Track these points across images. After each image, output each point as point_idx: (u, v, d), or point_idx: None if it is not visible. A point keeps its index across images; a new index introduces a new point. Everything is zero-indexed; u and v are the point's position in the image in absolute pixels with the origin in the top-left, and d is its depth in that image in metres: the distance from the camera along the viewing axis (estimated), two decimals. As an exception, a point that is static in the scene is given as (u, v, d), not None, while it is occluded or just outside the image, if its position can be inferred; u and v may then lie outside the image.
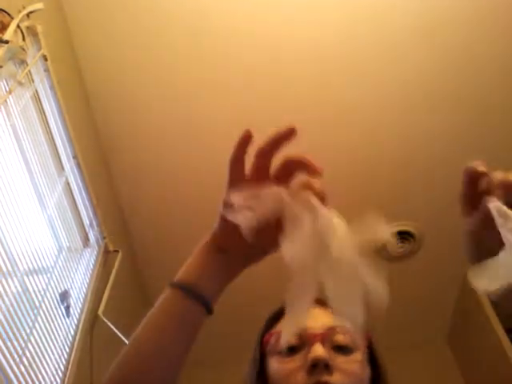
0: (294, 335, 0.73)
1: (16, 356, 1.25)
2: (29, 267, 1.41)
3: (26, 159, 1.52)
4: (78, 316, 1.66)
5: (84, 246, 1.87)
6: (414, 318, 2.76)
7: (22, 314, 1.32)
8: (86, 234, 1.90)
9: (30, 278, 1.41)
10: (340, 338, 0.73)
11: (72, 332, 1.60)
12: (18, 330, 1.28)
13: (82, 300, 1.72)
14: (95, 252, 1.92)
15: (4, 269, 1.26)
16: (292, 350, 0.73)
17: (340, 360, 0.71)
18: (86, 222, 1.89)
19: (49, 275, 1.53)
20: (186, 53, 1.98)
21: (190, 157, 2.23)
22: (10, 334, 1.24)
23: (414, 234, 2.48)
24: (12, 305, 1.27)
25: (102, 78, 2.03)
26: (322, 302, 0.77)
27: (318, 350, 0.70)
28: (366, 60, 2.02)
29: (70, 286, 1.65)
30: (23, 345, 1.29)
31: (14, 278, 1.31)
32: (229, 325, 2.80)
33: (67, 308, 1.60)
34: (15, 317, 1.27)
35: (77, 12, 1.89)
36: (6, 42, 1.30)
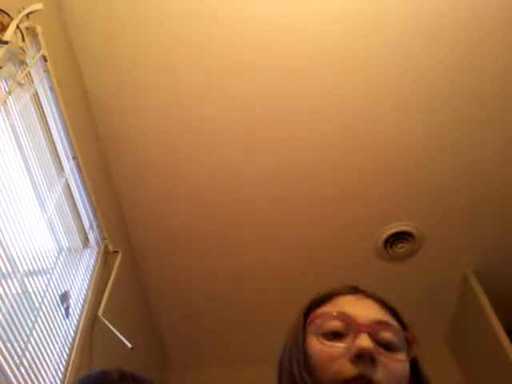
0: (343, 320, 0.73)
1: (16, 357, 1.24)
2: (28, 268, 1.41)
3: (26, 160, 1.51)
4: (77, 317, 1.66)
5: (84, 247, 1.87)
6: (414, 319, 2.75)
7: (22, 315, 1.32)
8: (86, 235, 1.89)
9: (30, 279, 1.41)
10: (387, 335, 0.72)
11: (72, 333, 1.60)
12: (18, 331, 1.28)
13: (81, 301, 1.71)
14: (95, 253, 1.92)
15: (4, 270, 1.26)
16: (337, 336, 0.72)
17: (384, 356, 0.70)
18: (86, 222, 1.89)
19: (48, 276, 1.53)
20: (187, 54, 1.98)
21: (189, 158, 2.23)
22: (10, 335, 1.23)
23: (413, 234, 2.48)
24: (12, 306, 1.27)
25: (102, 78, 2.02)
26: (374, 296, 0.80)
27: (366, 341, 0.69)
28: (366, 60, 2.02)
29: (69, 287, 1.65)
30: (23, 346, 1.29)
31: (14, 279, 1.31)
32: (232, 326, 2.80)
33: (67, 309, 1.60)
34: (15, 318, 1.27)
35: (76, 13, 1.89)
36: (6, 42, 1.30)
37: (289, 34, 1.95)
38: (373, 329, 0.71)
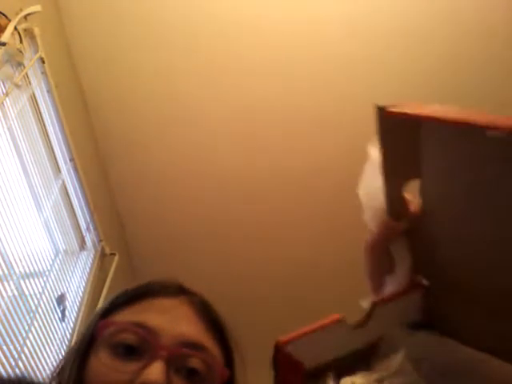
0: (140, 335, 0.55)
1: (12, 360, 1.24)
2: (25, 270, 1.40)
3: (23, 161, 1.51)
4: (74, 319, 1.65)
5: (80, 249, 1.87)
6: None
7: (18, 318, 1.31)
8: (83, 237, 1.89)
9: (26, 281, 1.40)
10: (194, 362, 0.56)
11: (68, 335, 1.59)
12: (14, 333, 1.27)
13: (78, 303, 1.71)
14: (92, 255, 1.92)
15: (0, 272, 1.25)
16: (129, 352, 0.54)
17: None
18: (83, 224, 1.88)
19: (45, 278, 1.52)
20: (186, 56, 1.99)
21: (187, 159, 2.23)
22: (6, 337, 1.23)
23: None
24: (8, 308, 1.26)
25: (99, 80, 2.02)
26: (200, 303, 0.62)
27: (156, 372, 0.52)
28: (367, 64, 2.03)
29: (66, 290, 1.65)
30: (19, 348, 1.29)
31: (10, 282, 1.30)
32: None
33: (63, 311, 1.59)
34: (11, 320, 1.27)
35: (74, 14, 1.89)
36: (4, 44, 1.30)
37: (289, 38, 1.96)
38: (175, 353, 0.55)
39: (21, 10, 1.46)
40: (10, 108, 1.43)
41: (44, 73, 1.62)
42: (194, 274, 2.77)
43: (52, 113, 1.68)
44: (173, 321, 0.57)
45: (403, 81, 2.07)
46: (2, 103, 1.36)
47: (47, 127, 1.68)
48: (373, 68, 2.03)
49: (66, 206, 1.79)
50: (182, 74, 2.02)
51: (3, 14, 1.36)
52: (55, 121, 1.70)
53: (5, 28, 1.34)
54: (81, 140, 1.92)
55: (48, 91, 1.65)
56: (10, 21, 1.37)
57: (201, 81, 2.04)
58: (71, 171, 1.80)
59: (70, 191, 1.81)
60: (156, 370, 0.52)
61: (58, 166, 1.74)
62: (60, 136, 1.73)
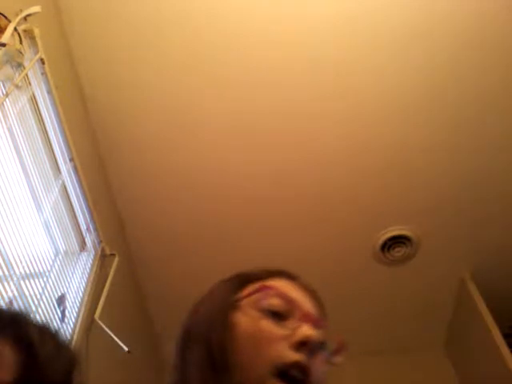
0: (288, 302, 0.65)
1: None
2: (25, 271, 1.40)
3: (23, 162, 1.51)
4: (74, 320, 1.65)
5: (81, 250, 1.87)
6: (411, 322, 2.76)
7: (18, 318, 1.31)
8: (83, 238, 1.89)
9: (27, 281, 1.40)
10: (321, 334, 0.66)
11: (68, 336, 1.59)
12: (14, 334, 1.27)
13: (78, 304, 1.71)
14: (92, 256, 1.92)
15: (0, 272, 1.25)
16: (275, 315, 0.64)
17: (321, 353, 0.64)
18: (83, 225, 1.88)
19: (45, 279, 1.52)
20: (185, 56, 1.99)
21: (188, 160, 2.23)
22: (6, 338, 1.22)
23: (411, 238, 2.48)
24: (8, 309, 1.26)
25: (100, 81, 2.02)
26: (311, 290, 0.72)
27: (312, 331, 0.63)
28: (367, 63, 2.03)
29: (66, 290, 1.65)
30: (19, 349, 1.28)
31: (10, 282, 1.30)
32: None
33: (63, 312, 1.60)
34: (11, 321, 1.26)
35: (74, 15, 1.89)
36: (3, 45, 1.30)
37: (289, 37, 1.96)
38: (316, 322, 0.65)
39: (21, 10, 1.46)
40: (10, 109, 1.43)
41: (44, 73, 1.62)
42: (195, 275, 2.78)
43: (52, 113, 1.68)
44: (303, 297, 0.68)
45: (403, 79, 2.07)
46: (2, 104, 1.36)
47: (47, 128, 1.68)
48: (373, 66, 2.03)
49: (66, 207, 1.79)
50: (183, 74, 2.02)
51: (3, 15, 1.36)
52: (55, 121, 1.70)
53: (5, 29, 1.34)
54: (81, 140, 1.93)
55: (48, 92, 1.65)
56: (9, 22, 1.37)
57: (202, 81, 2.04)
58: (71, 171, 1.80)
59: (69, 192, 1.81)
60: (310, 328, 0.62)
61: (57, 166, 1.74)
62: (60, 136, 1.73)
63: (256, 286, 0.68)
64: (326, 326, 0.67)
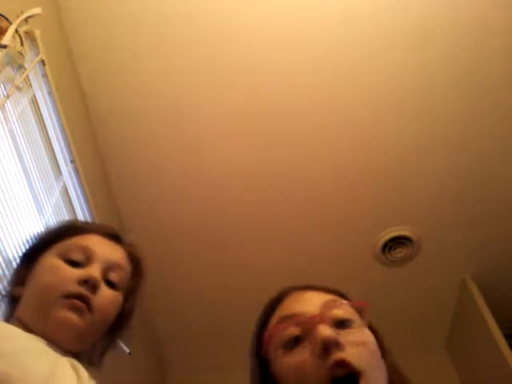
0: (297, 325, 0.70)
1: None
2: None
3: (24, 164, 1.51)
4: (75, 321, 1.64)
5: (81, 251, 1.86)
6: (413, 323, 2.76)
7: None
8: (84, 239, 1.88)
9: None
10: (338, 312, 0.71)
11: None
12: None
13: (79, 305, 1.70)
14: (93, 257, 1.91)
15: (1, 273, 1.25)
16: (297, 341, 0.69)
17: (346, 333, 0.68)
18: (84, 226, 1.88)
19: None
20: (186, 58, 1.99)
21: (188, 160, 2.23)
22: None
23: (412, 239, 2.48)
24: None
25: (100, 82, 2.03)
26: (311, 287, 0.78)
27: (324, 331, 0.66)
28: (366, 66, 2.03)
29: (67, 291, 1.64)
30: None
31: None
32: (230, 331, 2.79)
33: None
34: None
35: (75, 17, 1.89)
36: (4, 46, 1.30)
37: (289, 37, 1.96)
38: (323, 315, 0.69)
39: (22, 12, 1.46)
40: (11, 110, 1.43)
41: (45, 75, 1.62)
42: (195, 276, 2.78)
43: (53, 115, 1.68)
44: (309, 299, 0.74)
45: (401, 82, 2.07)
46: (3, 106, 1.37)
47: (48, 129, 1.68)
48: (372, 68, 2.04)
49: (67, 208, 1.79)
50: (184, 74, 2.02)
51: (4, 17, 1.36)
52: (56, 123, 1.70)
53: (5, 30, 1.34)
54: (82, 142, 1.93)
55: (49, 93, 1.65)
56: (10, 23, 1.37)
57: (202, 81, 2.04)
58: (72, 173, 1.80)
59: (70, 193, 1.81)
60: (322, 329, 0.66)
61: (58, 167, 1.74)
62: (61, 138, 1.73)
63: (269, 329, 0.75)
64: (339, 301, 0.74)
